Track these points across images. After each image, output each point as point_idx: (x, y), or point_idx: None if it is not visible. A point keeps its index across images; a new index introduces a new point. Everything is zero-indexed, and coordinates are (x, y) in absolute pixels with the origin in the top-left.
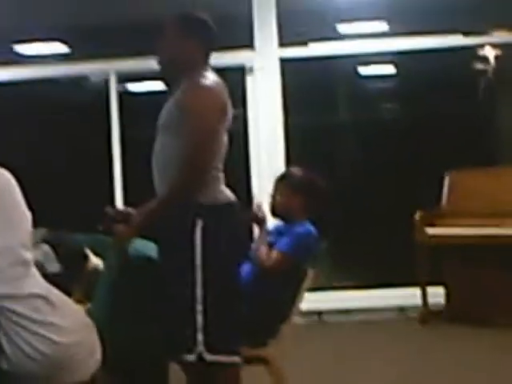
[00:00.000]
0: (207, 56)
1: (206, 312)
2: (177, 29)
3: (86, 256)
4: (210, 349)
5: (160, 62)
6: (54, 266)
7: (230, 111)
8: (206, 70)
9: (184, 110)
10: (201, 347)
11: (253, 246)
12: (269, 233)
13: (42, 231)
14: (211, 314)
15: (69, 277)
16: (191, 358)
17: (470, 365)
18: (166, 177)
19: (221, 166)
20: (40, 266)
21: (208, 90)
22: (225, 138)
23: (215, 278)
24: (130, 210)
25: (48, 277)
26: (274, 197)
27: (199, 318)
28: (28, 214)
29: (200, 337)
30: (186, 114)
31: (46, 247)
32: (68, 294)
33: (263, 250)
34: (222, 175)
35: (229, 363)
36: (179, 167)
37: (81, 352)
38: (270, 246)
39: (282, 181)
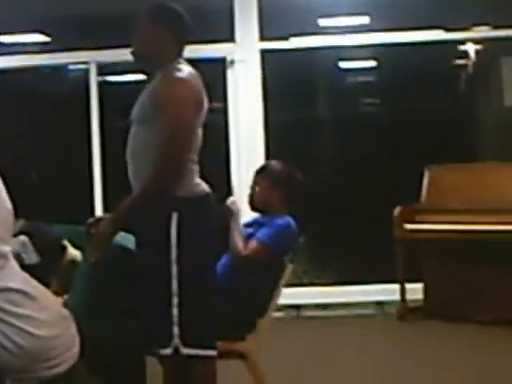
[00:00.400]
0: (181, 47)
1: (181, 305)
2: (148, 20)
3: (64, 247)
4: (186, 342)
5: (133, 53)
6: (32, 257)
7: (206, 103)
8: (179, 61)
9: (158, 101)
10: (176, 340)
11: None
12: (247, 225)
13: (20, 222)
14: (187, 307)
15: (47, 268)
16: (167, 351)
17: (447, 361)
18: (140, 167)
19: (196, 158)
20: (17, 257)
21: (183, 81)
22: (200, 131)
23: (191, 272)
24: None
25: (26, 268)
26: (252, 189)
27: (175, 312)
28: (9, 207)
29: (176, 330)
30: (161, 106)
31: (23, 238)
32: (46, 284)
33: (238, 240)
34: (197, 167)
35: (205, 357)
36: (154, 160)
37: (58, 345)
38: (249, 237)
39: (260, 174)
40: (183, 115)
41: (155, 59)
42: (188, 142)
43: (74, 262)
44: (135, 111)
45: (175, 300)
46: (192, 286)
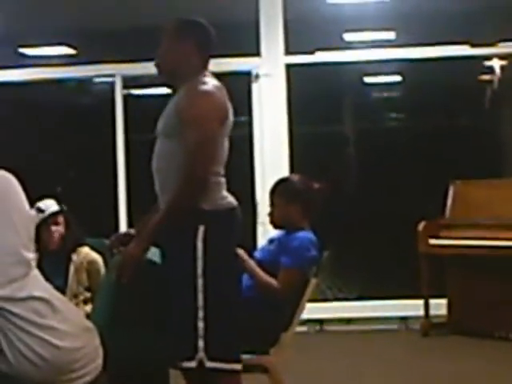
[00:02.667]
0: (206, 60)
1: (207, 319)
2: (174, 34)
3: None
4: (211, 356)
5: (158, 67)
6: (52, 205)
7: (231, 116)
8: (205, 74)
9: (183, 115)
10: (201, 354)
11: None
12: (270, 241)
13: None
14: (212, 321)
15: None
16: (192, 364)
17: (470, 377)
18: (165, 181)
19: (222, 171)
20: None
21: (207, 94)
22: (226, 143)
23: (217, 285)
24: (132, 231)
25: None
26: (271, 209)
27: (200, 325)
28: (31, 215)
29: (201, 343)
30: (185, 119)
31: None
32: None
33: (264, 277)
34: (223, 180)
35: (229, 370)
36: (180, 176)
37: (81, 357)
38: (270, 254)
39: (275, 193)
40: (207, 128)
41: (180, 73)
42: (213, 155)
43: (93, 263)
44: (160, 125)
45: (201, 313)
46: (217, 300)
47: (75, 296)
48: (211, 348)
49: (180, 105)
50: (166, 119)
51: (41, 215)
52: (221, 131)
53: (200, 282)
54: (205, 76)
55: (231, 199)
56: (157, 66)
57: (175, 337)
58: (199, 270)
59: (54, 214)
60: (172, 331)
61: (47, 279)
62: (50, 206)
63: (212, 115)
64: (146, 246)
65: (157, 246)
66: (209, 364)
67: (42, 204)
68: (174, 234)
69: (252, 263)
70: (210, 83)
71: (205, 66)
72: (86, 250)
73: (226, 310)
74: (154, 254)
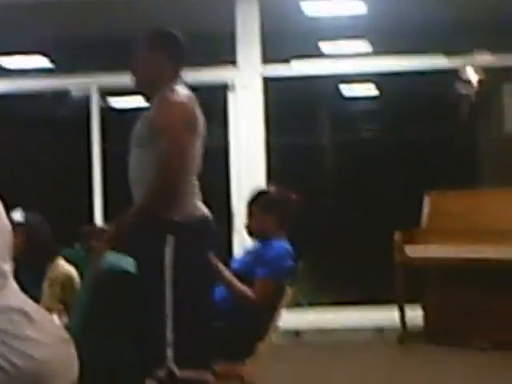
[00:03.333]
0: (177, 71)
1: (175, 328)
2: (147, 44)
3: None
4: (180, 365)
5: (132, 77)
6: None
7: (202, 125)
8: (176, 84)
9: (153, 125)
10: (170, 363)
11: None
12: (246, 252)
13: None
14: (181, 329)
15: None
16: (161, 373)
17: None
18: (140, 191)
19: (195, 180)
20: None
21: (176, 105)
22: (198, 153)
23: (186, 294)
24: (105, 227)
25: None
26: (248, 222)
27: (169, 334)
28: (8, 226)
29: (170, 353)
30: (156, 129)
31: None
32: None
33: (240, 287)
34: (196, 190)
35: (199, 380)
36: (150, 180)
37: (57, 368)
38: (245, 266)
39: (252, 203)
40: (178, 138)
41: (153, 84)
42: (183, 163)
43: (69, 277)
44: (133, 136)
45: (169, 322)
46: (186, 309)
47: (49, 309)
48: (180, 357)
49: (151, 115)
50: (139, 130)
51: None
52: (192, 140)
53: (168, 290)
54: (176, 86)
55: (204, 209)
56: (132, 77)
57: (145, 346)
58: (167, 279)
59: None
60: (142, 340)
61: (23, 289)
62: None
63: (181, 124)
64: (111, 241)
65: (131, 256)
66: (178, 373)
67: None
68: (143, 243)
69: (228, 273)
70: (181, 93)
71: (176, 76)
72: (61, 262)
73: (195, 319)
74: (129, 263)
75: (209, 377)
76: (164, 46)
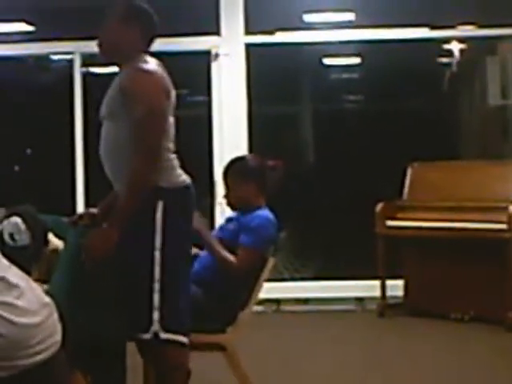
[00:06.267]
0: (148, 42)
1: (163, 291)
2: (119, 15)
3: (47, 236)
4: (165, 328)
5: (99, 47)
6: (24, 239)
7: (173, 94)
8: (145, 55)
9: (127, 94)
10: (156, 326)
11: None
12: (228, 220)
13: (1, 211)
14: (168, 293)
15: (32, 254)
16: (147, 336)
17: (424, 357)
18: (117, 164)
19: (172, 147)
20: (10, 238)
21: (150, 72)
22: (172, 121)
23: (174, 258)
24: (93, 210)
25: (11, 253)
26: (226, 194)
27: (156, 297)
28: None
29: (156, 315)
30: (131, 97)
31: (16, 219)
32: (27, 273)
33: (223, 252)
34: (175, 158)
35: (180, 342)
36: (133, 152)
37: (39, 333)
38: (230, 234)
39: (227, 174)
40: (154, 100)
41: (122, 54)
42: (163, 126)
43: (55, 251)
44: (104, 108)
45: (156, 286)
46: (173, 273)
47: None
48: (166, 320)
49: (123, 84)
50: (109, 101)
51: None
52: (166, 106)
53: (157, 254)
54: (146, 56)
55: (185, 177)
56: (99, 46)
57: (131, 309)
58: (157, 244)
59: None
60: (128, 304)
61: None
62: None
63: (157, 90)
64: (118, 232)
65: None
66: (163, 335)
67: None
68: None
69: (211, 236)
70: (152, 62)
71: (146, 49)
72: (51, 237)
73: (181, 283)
74: None
75: (187, 341)
76: (137, 18)
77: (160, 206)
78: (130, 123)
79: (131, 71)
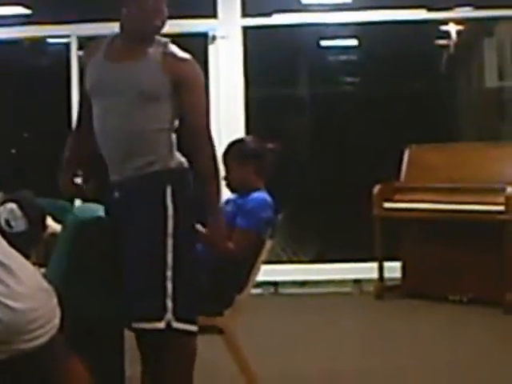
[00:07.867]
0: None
1: (175, 279)
2: None
3: (45, 220)
4: (178, 317)
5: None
6: (20, 224)
7: None
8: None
9: (182, 81)
10: (170, 314)
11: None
12: (226, 202)
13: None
14: (180, 281)
15: (30, 238)
16: (161, 325)
17: (422, 339)
18: (142, 145)
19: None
20: (6, 224)
21: (195, 62)
22: None
23: (186, 245)
24: (77, 181)
25: (9, 237)
26: (226, 175)
27: (169, 285)
28: None
29: (169, 304)
30: (187, 85)
31: (12, 205)
32: (26, 256)
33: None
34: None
35: (191, 332)
36: (198, 141)
37: (37, 317)
38: (227, 216)
39: (227, 156)
40: (205, 96)
41: (144, 34)
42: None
43: (54, 235)
44: (132, 86)
45: (169, 273)
46: (186, 260)
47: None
48: (178, 309)
49: (172, 68)
50: (147, 81)
51: None
52: None
53: (170, 241)
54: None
55: (183, 158)
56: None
57: (142, 297)
58: (169, 230)
59: None
60: (139, 292)
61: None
62: None
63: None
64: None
65: (98, 202)
66: (175, 325)
67: None
68: (143, 195)
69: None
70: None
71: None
72: (50, 221)
73: (194, 270)
74: (98, 210)
75: (196, 329)
76: None
77: (169, 189)
78: (175, 107)
79: (172, 56)
